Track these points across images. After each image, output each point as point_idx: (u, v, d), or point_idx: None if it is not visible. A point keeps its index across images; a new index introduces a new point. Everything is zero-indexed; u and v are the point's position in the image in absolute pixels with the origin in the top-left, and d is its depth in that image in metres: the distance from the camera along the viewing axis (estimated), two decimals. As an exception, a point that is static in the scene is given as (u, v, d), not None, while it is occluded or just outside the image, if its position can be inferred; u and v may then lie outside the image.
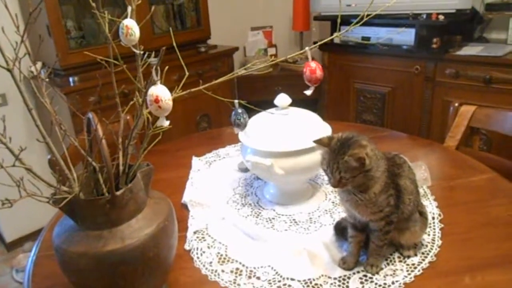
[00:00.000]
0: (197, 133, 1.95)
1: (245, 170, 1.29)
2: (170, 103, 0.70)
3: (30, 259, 0.97)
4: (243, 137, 1.07)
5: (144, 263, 0.69)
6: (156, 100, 0.68)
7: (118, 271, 0.67)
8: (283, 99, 1.05)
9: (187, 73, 0.77)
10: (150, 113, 0.71)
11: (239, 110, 0.94)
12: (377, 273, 0.83)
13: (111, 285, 0.69)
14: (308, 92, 0.94)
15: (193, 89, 0.77)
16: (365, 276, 0.83)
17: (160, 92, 0.68)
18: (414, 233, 0.86)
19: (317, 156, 1.01)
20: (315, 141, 0.81)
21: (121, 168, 0.74)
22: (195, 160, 1.38)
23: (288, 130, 1.02)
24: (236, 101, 0.87)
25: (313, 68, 0.95)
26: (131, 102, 0.75)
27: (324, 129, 1.06)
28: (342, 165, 0.75)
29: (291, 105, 1.07)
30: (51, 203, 0.65)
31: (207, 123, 2.57)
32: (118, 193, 0.67)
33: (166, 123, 0.72)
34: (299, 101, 1.15)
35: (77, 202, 0.67)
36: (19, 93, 0.65)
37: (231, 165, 1.35)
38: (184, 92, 0.74)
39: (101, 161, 0.70)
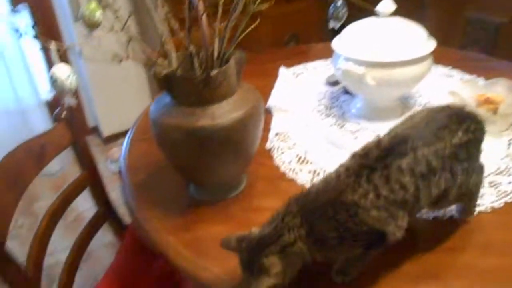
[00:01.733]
0: (286, 47, 1.92)
1: (333, 84, 1.26)
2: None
3: (126, 139, 1.07)
4: (337, 43, 1.02)
5: (230, 145, 0.73)
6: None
7: (205, 147, 0.72)
8: (386, 5, 0.97)
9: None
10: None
11: (339, 3, 0.89)
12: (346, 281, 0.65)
13: (198, 160, 0.75)
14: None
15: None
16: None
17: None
18: None
19: (413, 71, 0.96)
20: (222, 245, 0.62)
21: (215, 53, 0.76)
22: (282, 70, 1.37)
23: (386, 39, 0.95)
24: (337, -7, 0.82)
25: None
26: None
27: (426, 45, 0.97)
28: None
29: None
30: (152, 74, 0.69)
31: (295, 43, 2.51)
32: (212, 73, 0.69)
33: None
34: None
35: (174, 78, 0.71)
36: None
37: (319, 78, 1.32)
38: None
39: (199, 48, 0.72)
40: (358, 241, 0.59)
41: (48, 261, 0.92)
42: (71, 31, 2.33)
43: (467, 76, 1.24)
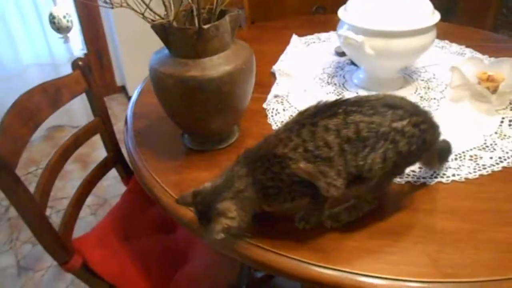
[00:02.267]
0: (306, 15, 1.91)
1: (341, 54, 1.28)
2: None
3: (137, 89, 1.15)
4: (342, 12, 1.04)
5: (218, 96, 0.78)
6: None
7: (196, 96, 0.78)
8: (392, -25, 0.98)
9: None
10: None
11: None
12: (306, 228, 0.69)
13: (188, 110, 0.81)
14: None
15: None
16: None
17: None
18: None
19: (412, 43, 0.97)
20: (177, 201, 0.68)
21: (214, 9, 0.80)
22: (294, 38, 1.39)
23: (387, 9, 0.96)
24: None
25: None
26: None
27: (429, 17, 0.97)
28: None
29: None
30: (151, 25, 0.75)
31: (322, 14, 2.48)
32: (205, 26, 0.74)
33: None
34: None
35: (170, 29, 0.76)
36: None
37: (329, 48, 1.34)
38: None
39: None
40: (295, 191, 0.63)
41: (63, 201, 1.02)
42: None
43: (479, 56, 1.23)
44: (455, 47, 1.30)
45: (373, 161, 0.62)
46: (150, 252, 1.02)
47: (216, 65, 0.77)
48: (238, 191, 0.63)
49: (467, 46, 1.30)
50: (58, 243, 0.90)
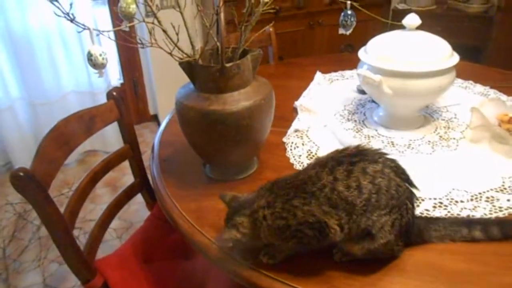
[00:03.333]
0: (333, 54, 1.97)
1: (363, 92, 1.31)
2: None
3: (166, 119, 1.22)
4: (362, 52, 1.08)
5: (237, 129, 0.83)
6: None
7: (216, 129, 0.82)
8: (411, 19, 1.01)
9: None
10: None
11: (349, 12, 0.95)
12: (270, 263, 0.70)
13: (209, 141, 0.86)
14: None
15: None
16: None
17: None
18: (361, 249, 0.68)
19: (431, 83, 0.99)
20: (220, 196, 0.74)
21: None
22: (318, 75, 1.44)
23: (405, 50, 0.99)
24: (348, 2, 0.88)
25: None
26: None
27: (447, 59, 0.99)
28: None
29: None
30: (178, 63, 0.82)
31: (350, 53, 2.54)
32: (227, 65, 0.80)
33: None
34: (458, 48, 1.04)
35: (196, 66, 0.82)
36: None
37: (351, 86, 1.38)
38: None
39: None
40: (299, 233, 0.65)
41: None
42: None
43: (503, 97, 1.23)
44: (479, 87, 1.31)
45: (386, 221, 0.65)
46: (168, 276, 1.05)
47: (236, 101, 0.82)
48: (256, 209, 0.67)
49: (491, 87, 1.30)
50: (82, 263, 0.94)
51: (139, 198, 2.03)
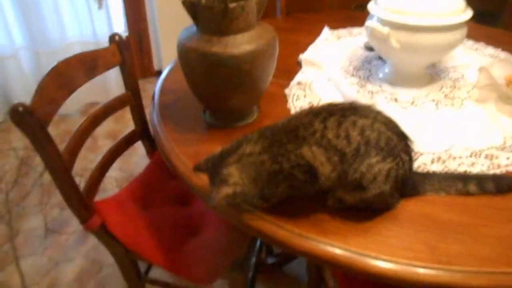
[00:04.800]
0: (341, 9, 1.91)
1: (371, 49, 1.28)
2: None
3: (168, 66, 1.21)
4: (372, 4, 1.05)
5: (238, 73, 0.81)
6: None
7: (217, 71, 0.81)
8: (425, -30, 0.97)
9: None
10: None
11: None
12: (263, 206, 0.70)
13: (210, 85, 0.84)
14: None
15: None
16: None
17: None
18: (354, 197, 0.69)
19: (440, 38, 0.96)
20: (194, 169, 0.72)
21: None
22: (325, 30, 1.40)
23: (416, 3, 0.95)
24: None
25: None
26: None
27: (458, 14, 0.96)
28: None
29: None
30: (181, 2, 0.79)
31: (361, 11, 2.47)
32: (231, 5, 0.78)
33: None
34: (474, 13, 0.98)
35: (199, 7, 0.80)
36: None
37: (359, 42, 1.34)
38: None
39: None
40: (291, 177, 0.65)
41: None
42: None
43: (512, 59, 1.20)
44: (490, 49, 1.28)
45: (380, 171, 0.64)
46: (165, 221, 1.07)
47: (239, 44, 0.80)
48: (244, 154, 0.65)
49: (503, 50, 1.27)
50: (81, 202, 0.96)
51: (139, 150, 2.04)
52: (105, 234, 1.02)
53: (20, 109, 0.81)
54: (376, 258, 0.63)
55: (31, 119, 0.83)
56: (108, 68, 1.14)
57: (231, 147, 0.67)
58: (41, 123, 0.84)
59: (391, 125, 0.67)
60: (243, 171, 0.65)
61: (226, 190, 0.64)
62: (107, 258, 1.57)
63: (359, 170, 0.64)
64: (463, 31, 0.98)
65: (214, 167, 0.67)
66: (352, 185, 0.65)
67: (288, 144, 0.65)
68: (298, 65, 1.20)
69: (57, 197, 1.87)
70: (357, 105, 0.68)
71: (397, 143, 0.66)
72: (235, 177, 0.64)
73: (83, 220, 0.98)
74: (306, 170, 0.64)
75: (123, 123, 2.39)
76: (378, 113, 0.68)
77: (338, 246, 0.64)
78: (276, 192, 0.67)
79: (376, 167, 0.64)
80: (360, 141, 0.64)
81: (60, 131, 2.22)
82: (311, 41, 1.34)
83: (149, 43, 2.82)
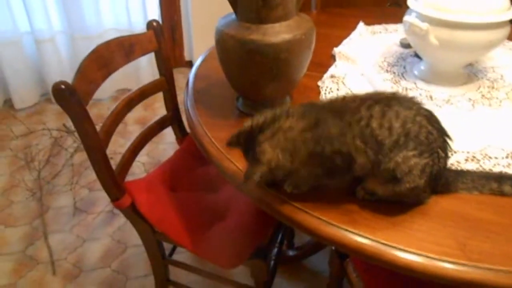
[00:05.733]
0: (376, 6, 1.89)
1: (406, 46, 1.26)
2: None
3: (203, 54, 1.23)
4: (411, 0, 1.03)
5: (274, 61, 0.82)
6: None
7: (253, 59, 0.82)
8: (469, -34, 0.95)
9: None
10: None
11: None
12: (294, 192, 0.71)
13: (246, 71, 0.85)
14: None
15: None
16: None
17: None
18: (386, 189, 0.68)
19: (481, 36, 0.94)
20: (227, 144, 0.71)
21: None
22: (360, 25, 1.39)
23: (457, 0, 0.94)
24: None
25: None
26: None
27: (502, 12, 0.93)
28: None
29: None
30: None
31: (397, 8, 2.43)
32: (271, -6, 0.78)
33: None
34: None
35: (239, -6, 0.81)
36: None
37: (394, 39, 1.33)
38: None
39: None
40: (331, 160, 0.64)
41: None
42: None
43: (556, 64, 1.16)
44: (533, 51, 1.24)
45: (415, 165, 0.64)
46: (191, 204, 1.09)
47: (277, 32, 0.81)
48: (281, 128, 0.64)
49: (547, 52, 1.23)
50: (113, 180, 0.99)
51: (168, 138, 2.09)
52: (134, 214, 1.05)
53: (63, 87, 0.85)
54: (404, 250, 0.62)
55: (72, 97, 0.86)
56: (144, 53, 1.16)
57: (265, 120, 0.66)
58: (81, 101, 0.87)
59: (432, 119, 0.67)
60: (277, 146, 0.64)
61: (261, 168, 0.63)
62: (132, 239, 1.62)
63: (394, 160, 0.64)
64: (506, 30, 0.96)
65: (246, 142, 0.66)
66: (386, 175, 0.65)
67: (333, 128, 0.64)
68: (332, 59, 1.20)
69: (86, 178, 1.93)
70: (400, 95, 0.68)
71: (436, 138, 0.66)
72: (269, 153, 0.63)
73: (114, 199, 1.01)
74: (345, 158, 0.64)
75: (152, 110, 2.44)
76: (421, 106, 0.67)
77: (366, 236, 0.64)
78: (311, 174, 0.67)
79: (412, 160, 0.64)
80: (400, 133, 0.63)
81: (92, 115, 2.29)
82: (346, 35, 1.34)
83: (181, 34, 2.85)
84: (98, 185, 0.99)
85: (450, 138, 0.69)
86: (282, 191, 0.71)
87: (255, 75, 0.85)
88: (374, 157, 0.64)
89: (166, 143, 2.15)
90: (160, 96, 1.26)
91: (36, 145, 2.15)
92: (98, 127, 0.92)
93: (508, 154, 0.81)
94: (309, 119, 0.65)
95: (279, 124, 0.65)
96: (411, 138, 0.64)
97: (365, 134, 0.64)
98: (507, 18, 0.93)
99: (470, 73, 1.10)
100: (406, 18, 1.01)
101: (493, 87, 1.04)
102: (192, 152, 1.27)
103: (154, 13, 2.65)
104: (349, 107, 0.66)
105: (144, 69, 2.57)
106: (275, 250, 1.16)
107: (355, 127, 0.64)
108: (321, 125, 0.65)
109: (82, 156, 2.02)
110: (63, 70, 2.45)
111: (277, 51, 0.81)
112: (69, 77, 0.89)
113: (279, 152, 0.64)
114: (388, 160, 0.64)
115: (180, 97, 1.12)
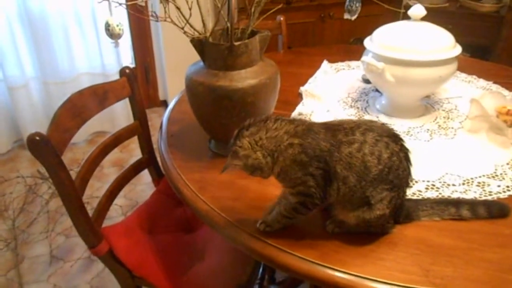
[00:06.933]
0: (340, 44, 2.00)
1: (368, 81, 1.34)
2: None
3: (175, 98, 1.27)
4: (367, 41, 1.11)
5: (242, 105, 0.87)
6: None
7: (222, 104, 0.87)
8: (417, 9, 1.04)
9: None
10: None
11: None
12: (266, 230, 0.74)
13: (215, 115, 0.90)
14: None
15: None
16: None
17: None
18: (357, 217, 0.71)
19: (432, 72, 1.02)
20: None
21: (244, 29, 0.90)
22: (325, 64, 1.47)
23: (408, 39, 1.02)
24: (355, -12, 0.92)
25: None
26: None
27: (449, 50, 1.02)
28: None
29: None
30: (190, 39, 0.86)
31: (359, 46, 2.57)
32: (236, 43, 0.84)
33: None
34: (467, 46, 1.06)
35: (206, 44, 0.87)
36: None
37: (357, 75, 1.41)
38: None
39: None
40: (312, 176, 0.66)
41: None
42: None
43: (505, 92, 1.25)
44: (482, 82, 1.34)
45: (386, 196, 0.69)
46: (170, 246, 1.10)
47: (243, 78, 0.86)
48: (266, 127, 0.67)
49: (494, 82, 1.33)
50: (90, 228, 0.99)
51: (145, 179, 2.08)
52: (112, 260, 1.05)
53: (37, 138, 0.86)
54: (374, 280, 0.66)
55: (47, 148, 0.88)
56: (118, 99, 1.20)
57: (256, 119, 0.69)
58: (56, 151, 0.89)
59: (408, 158, 0.71)
60: (257, 143, 0.66)
61: (236, 162, 0.67)
62: (111, 285, 1.59)
63: (375, 190, 0.68)
64: (454, 65, 1.05)
65: (235, 138, 0.69)
66: (359, 203, 0.69)
67: (323, 142, 0.66)
68: (299, 97, 1.26)
69: (62, 224, 1.90)
70: (389, 128, 0.71)
71: (407, 175, 0.71)
72: (246, 150, 0.66)
73: (91, 246, 1.01)
74: (325, 175, 0.66)
75: (128, 152, 2.44)
76: (404, 142, 0.71)
77: (337, 269, 0.67)
78: (290, 179, 0.68)
79: (384, 192, 0.68)
80: (387, 164, 0.67)
81: (66, 160, 2.27)
82: (311, 73, 1.41)
83: (155, 75, 2.91)
84: (74, 231, 0.99)
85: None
86: (254, 230, 0.74)
87: (224, 118, 0.89)
88: (356, 183, 0.67)
89: (144, 184, 2.15)
90: (135, 137, 1.28)
91: (10, 193, 2.11)
92: (73, 172, 0.94)
93: (464, 181, 0.87)
94: (298, 125, 0.68)
95: (266, 124, 0.68)
96: (392, 171, 0.68)
97: (354, 158, 0.66)
98: (454, 55, 1.01)
99: (428, 105, 1.18)
100: (364, 58, 1.08)
101: (448, 118, 1.12)
102: (168, 193, 1.29)
103: (127, 56, 2.71)
104: (343, 128, 0.69)
105: (119, 111, 2.59)
106: (256, 286, 1.17)
107: (344, 147, 0.66)
108: (311, 134, 0.67)
109: (57, 202, 2.00)
110: (36, 116, 2.45)
111: (244, 95, 0.86)
112: (42, 123, 0.92)
113: (258, 150, 0.66)
114: (372, 189, 0.67)
115: (155, 137, 1.15)
